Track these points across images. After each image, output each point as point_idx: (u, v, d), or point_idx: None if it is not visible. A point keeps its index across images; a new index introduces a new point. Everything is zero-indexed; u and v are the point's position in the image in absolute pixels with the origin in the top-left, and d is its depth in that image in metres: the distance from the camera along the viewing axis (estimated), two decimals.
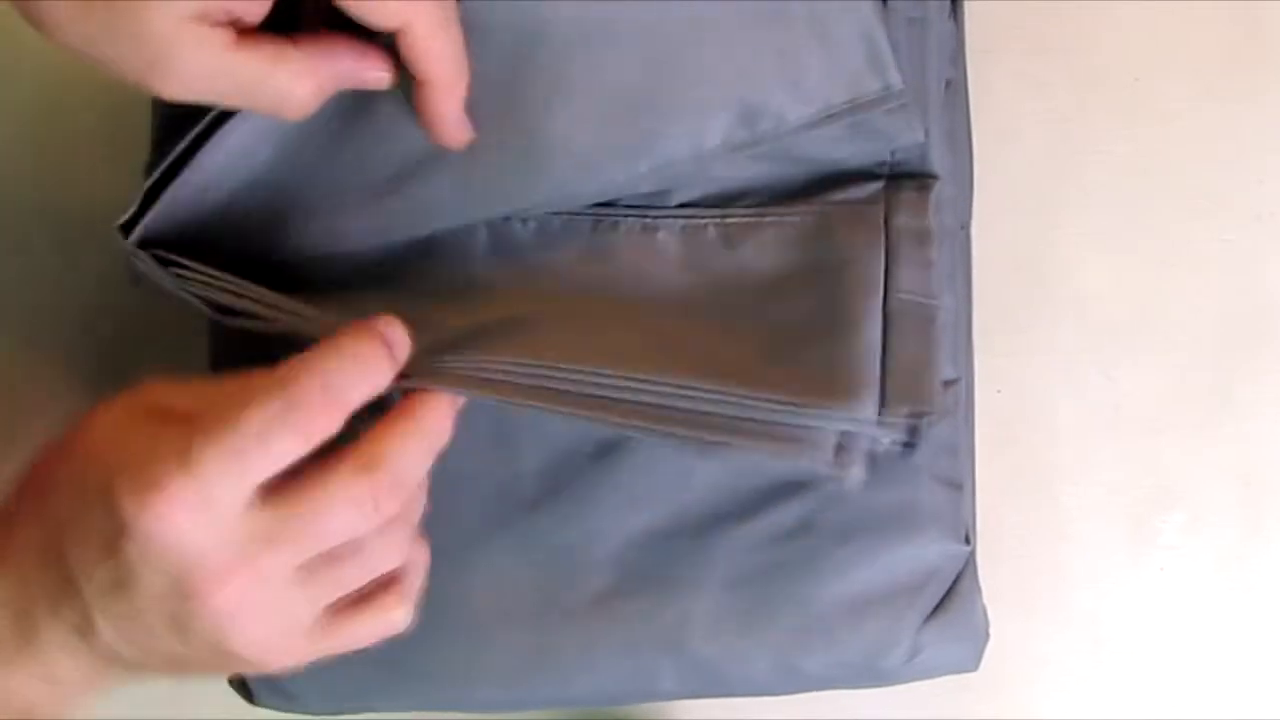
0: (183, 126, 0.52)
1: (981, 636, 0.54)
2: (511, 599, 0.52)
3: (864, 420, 0.47)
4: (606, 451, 0.52)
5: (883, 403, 0.48)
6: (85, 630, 0.43)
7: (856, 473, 0.48)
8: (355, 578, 0.44)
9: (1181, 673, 0.58)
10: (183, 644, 0.43)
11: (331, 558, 0.43)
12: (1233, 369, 0.58)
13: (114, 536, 0.41)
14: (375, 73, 0.47)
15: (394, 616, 0.45)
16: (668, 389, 0.46)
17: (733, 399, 0.46)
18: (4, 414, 0.60)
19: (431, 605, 0.52)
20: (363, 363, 0.43)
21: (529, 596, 0.52)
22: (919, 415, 0.48)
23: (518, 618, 0.52)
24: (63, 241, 0.60)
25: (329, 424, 0.42)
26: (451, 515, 0.52)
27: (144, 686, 0.60)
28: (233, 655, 0.43)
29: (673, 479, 0.52)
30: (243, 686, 0.55)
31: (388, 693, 0.53)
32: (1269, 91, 0.58)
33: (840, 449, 0.48)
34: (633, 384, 0.46)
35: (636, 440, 0.52)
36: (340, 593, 0.44)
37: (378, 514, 0.43)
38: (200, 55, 0.43)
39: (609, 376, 0.46)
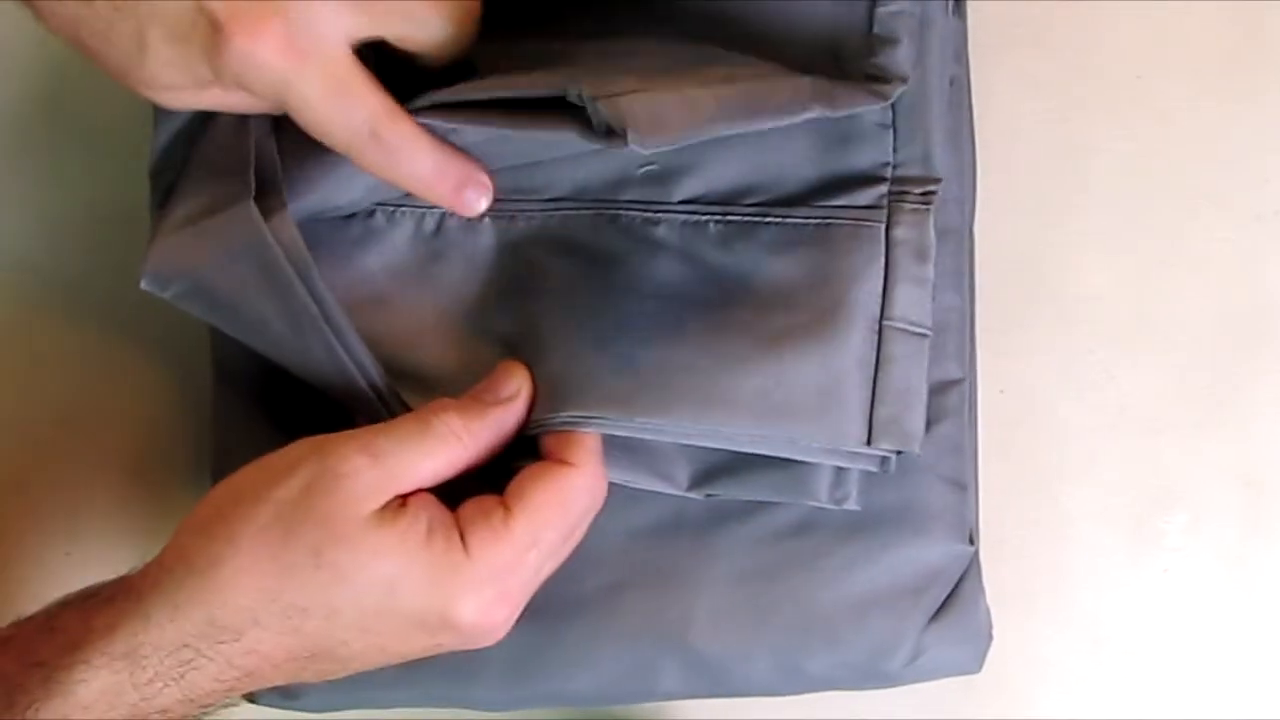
0: (186, 126, 0.52)
1: (985, 638, 0.53)
2: None
3: (849, 448, 0.49)
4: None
5: (869, 432, 0.48)
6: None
7: (852, 504, 0.50)
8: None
9: (1184, 673, 0.58)
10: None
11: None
12: (1234, 369, 0.58)
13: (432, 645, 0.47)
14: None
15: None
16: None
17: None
18: (3, 412, 0.60)
19: None
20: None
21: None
22: (902, 449, 0.49)
23: (519, 615, 0.52)
24: (61, 238, 0.60)
25: None
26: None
27: None
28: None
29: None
30: None
31: (387, 689, 0.53)
32: (1270, 91, 0.58)
33: (834, 483, 0.50)
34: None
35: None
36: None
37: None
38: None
39: None
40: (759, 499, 0.51)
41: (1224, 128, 0.58)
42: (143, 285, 0.49)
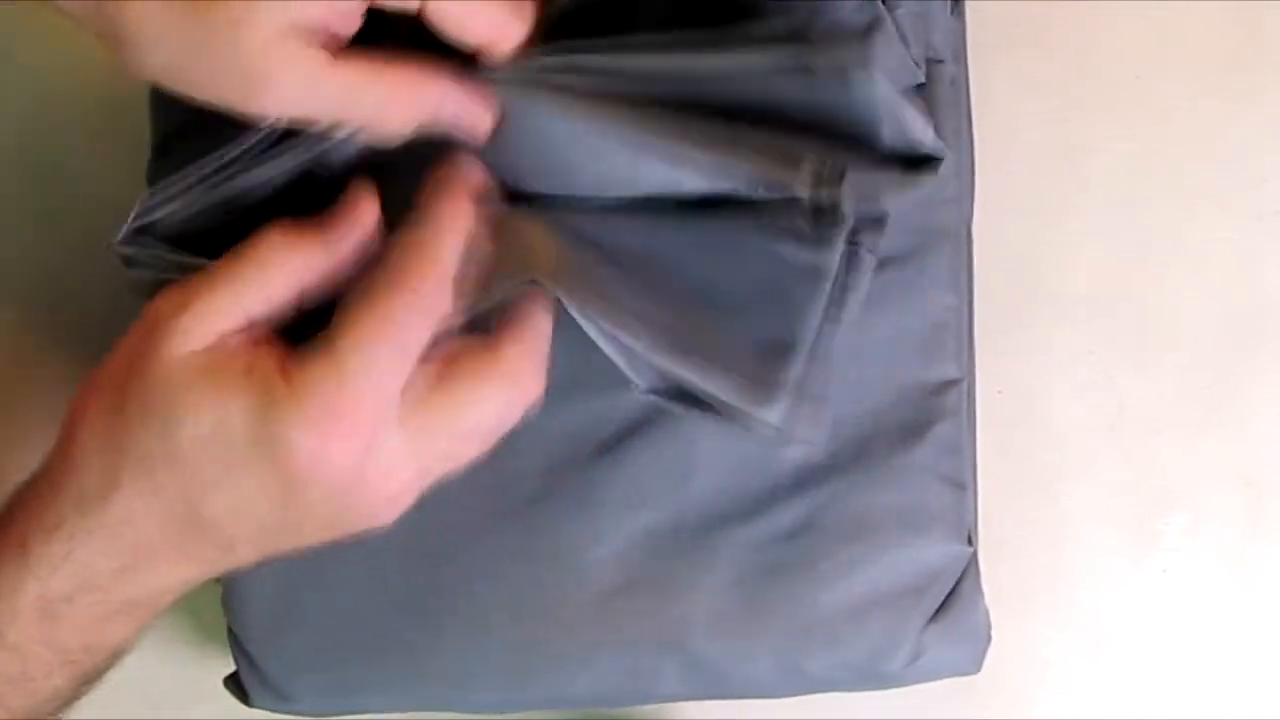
0: (184, 128, 0.52)
1: (984, 638, 0.53)
2: (511, 599, 0.52)
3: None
4: (607, 450, 0.52)
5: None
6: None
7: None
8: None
9: (1184, 674, 0.58)
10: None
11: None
12: (1234, 369, 0.58)
13: (284, 488, 0.43)
14: (473, 110, 0.46)
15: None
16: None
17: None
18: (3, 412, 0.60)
19: (430, 605, 0.52)
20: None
21: (529, 596, 0.52)
22: None
23: (517, 618, 0.52)
24: (59, 237, 0.60)
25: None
26: (450, 514, 0.52)
27: (144, 689, 0.60)
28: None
29: (674, 478, 0.52)
30: (238, 688, 0.55)
31: (385, 693, 0.53)
32: (1269, 91, 0.58)
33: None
34: None
35: (638, 438, 0.52)
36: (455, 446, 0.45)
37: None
38: (297, 72, 0.43)
39: None
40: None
41: (1223, 127, 0.58)
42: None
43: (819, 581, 0.51)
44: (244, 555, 0.46)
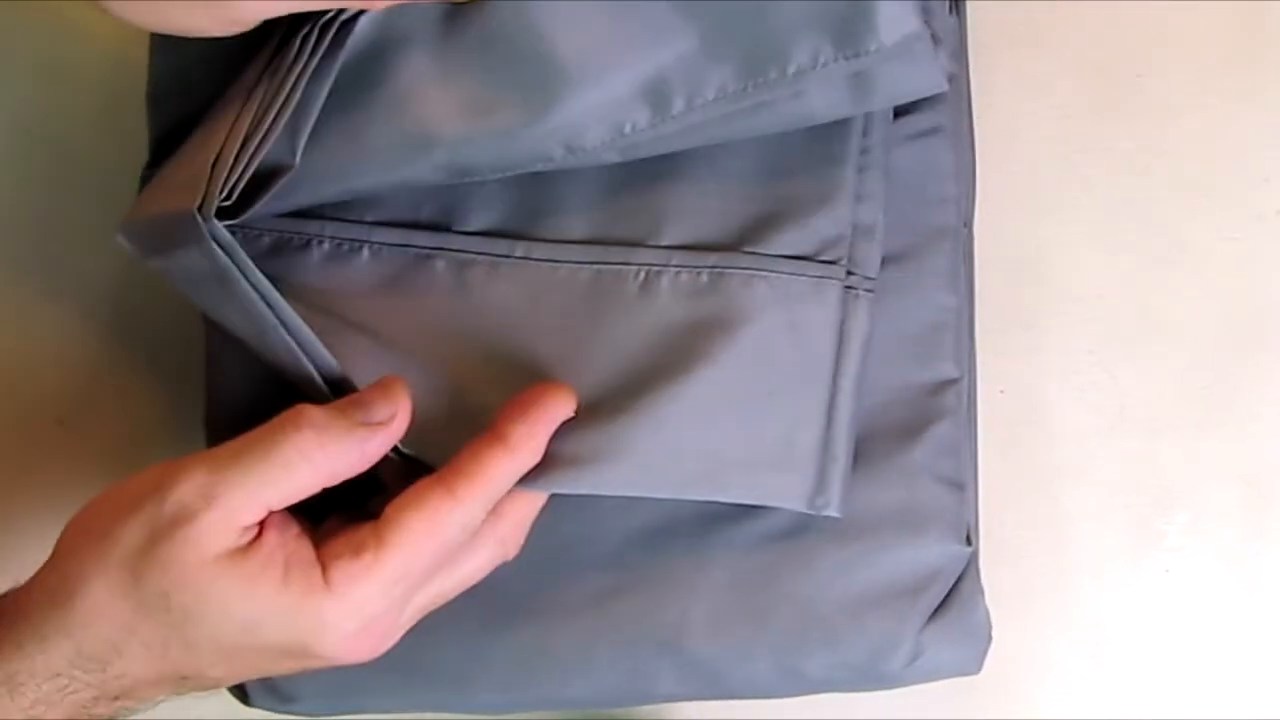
0: (181, 127, 0.52)
1: (984, 638, 0.53)
2: (508, 599, 0.52)
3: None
4: None
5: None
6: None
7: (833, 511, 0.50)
8: (451, 586, 0.48)
9: (1185, 674, 0.58)
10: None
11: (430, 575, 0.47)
12: (1236, 369, 0.58)
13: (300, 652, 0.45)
14: None
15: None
16: None
17: None
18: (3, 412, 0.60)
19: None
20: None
21: (526, 597, 0.52)
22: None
23: (515, 618, 0.52)
24: (61, 238, 0.60)
25: None
26: None
27: None
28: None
29: None
30: (238, 689, 0.55)
31: (383, 694, 0.53)
32: (1271, 89, 0.58)
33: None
34: None
35: None
36: (439, 600, 0.48)
37: (465, 532, 0.46)
38: None
39: None
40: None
41: (1225, 126, 0.58)
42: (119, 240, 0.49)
43: (817, 581, 0.51)
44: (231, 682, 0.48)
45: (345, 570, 0.44)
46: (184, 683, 0.46)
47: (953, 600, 0.52)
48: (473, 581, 0.48)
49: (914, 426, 0.52)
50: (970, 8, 0.55)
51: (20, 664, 0.44)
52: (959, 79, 0.54)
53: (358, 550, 0.45)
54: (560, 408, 0.48)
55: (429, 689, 0.53)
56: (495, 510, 0.47)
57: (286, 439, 0.44)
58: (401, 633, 0.47)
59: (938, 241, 0.52)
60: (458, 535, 0.46)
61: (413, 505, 0.45)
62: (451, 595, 0.48)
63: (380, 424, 0.46)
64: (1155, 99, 0.58)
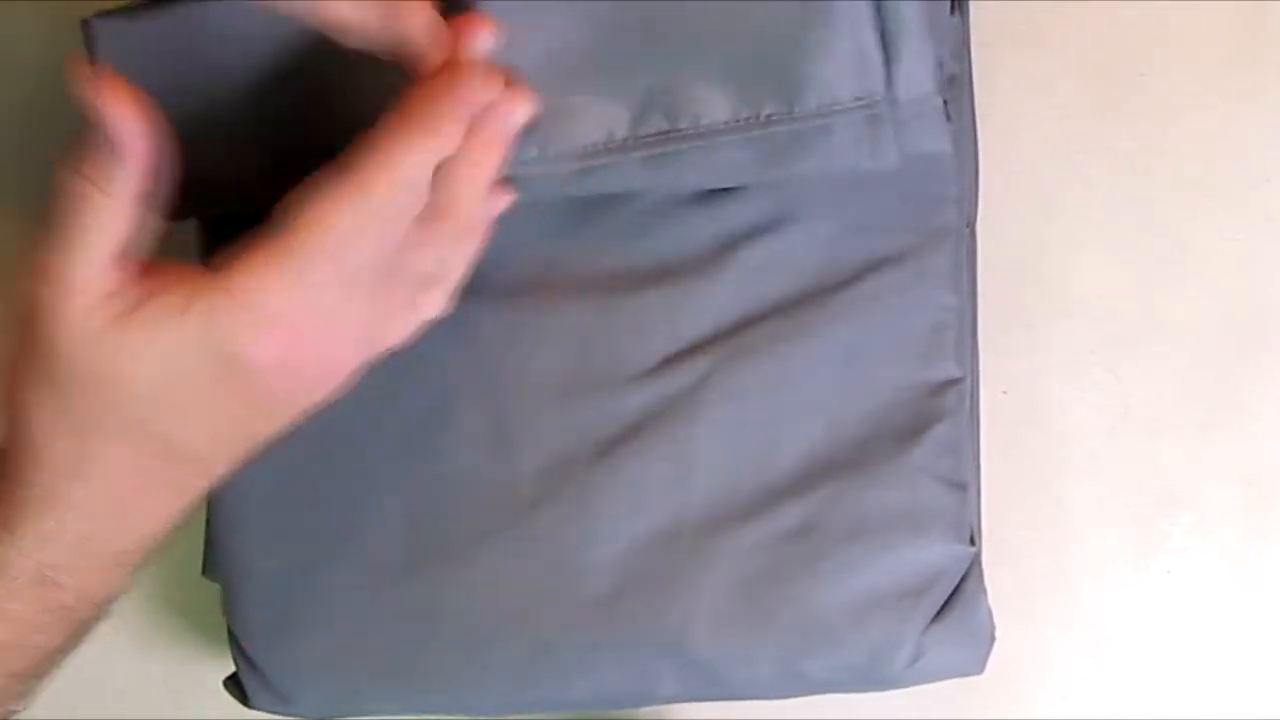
0: None
1: (987, 639, 0.53)
2: (510, 601, 0.52)
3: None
4: (605, 452, 0.52)
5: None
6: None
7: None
8: (395, 284, 0.46)
9: (1187, 675, 0.58)
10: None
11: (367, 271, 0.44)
12: (1239, 369, 0.58)
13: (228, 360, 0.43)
14: None
15: (427, 313, 0.48)
16: None
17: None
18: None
19: (430, 608, 0.52)
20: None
21: (528, 599, 0.52)
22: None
23: (517, 620, 0.52)
24: None
25: None
26: (449, 517, 0.52)
27: (144, 690, 0.60)
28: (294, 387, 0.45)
29: (672, 480, 0.52)
30: (238, 689, 0.55)
31: (385, 696, 0.53)
32: (1274, 89, 0.58)
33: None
34: None
35: (636, 441, 0.52)
36: (383, 302, 0.46)
37: (399, 220, 0.44)
38: None
39: None
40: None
41: (1228, 126, 0.58)
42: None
43: (819, 582, 0.51)
44: (222, 468, 0.47)
45: (235, 264, 0.43)
46: (170, 465, 0.45)
47: (955, 601, 0.52)
48: (439, 285, 0.47)
49: (916, 427, 0.52)
50: (972, 7, 0.55)
51: (23, 518, 0.44)
52: (961, 79, 0.54)
53: (247, 247, 0.43)
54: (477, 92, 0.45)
55: (430, 690, 0.53)
56: (435, 196, 0.45)
57: (70, 198, 0.43)
58: (355, 347, 0.46)
59: (939, 241, 0.52)
60: (369, 220, 0.43)
61: (307, 194, 0.43)
62: (410, 308, 0.47)
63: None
64: (1157, 99, 0.58)
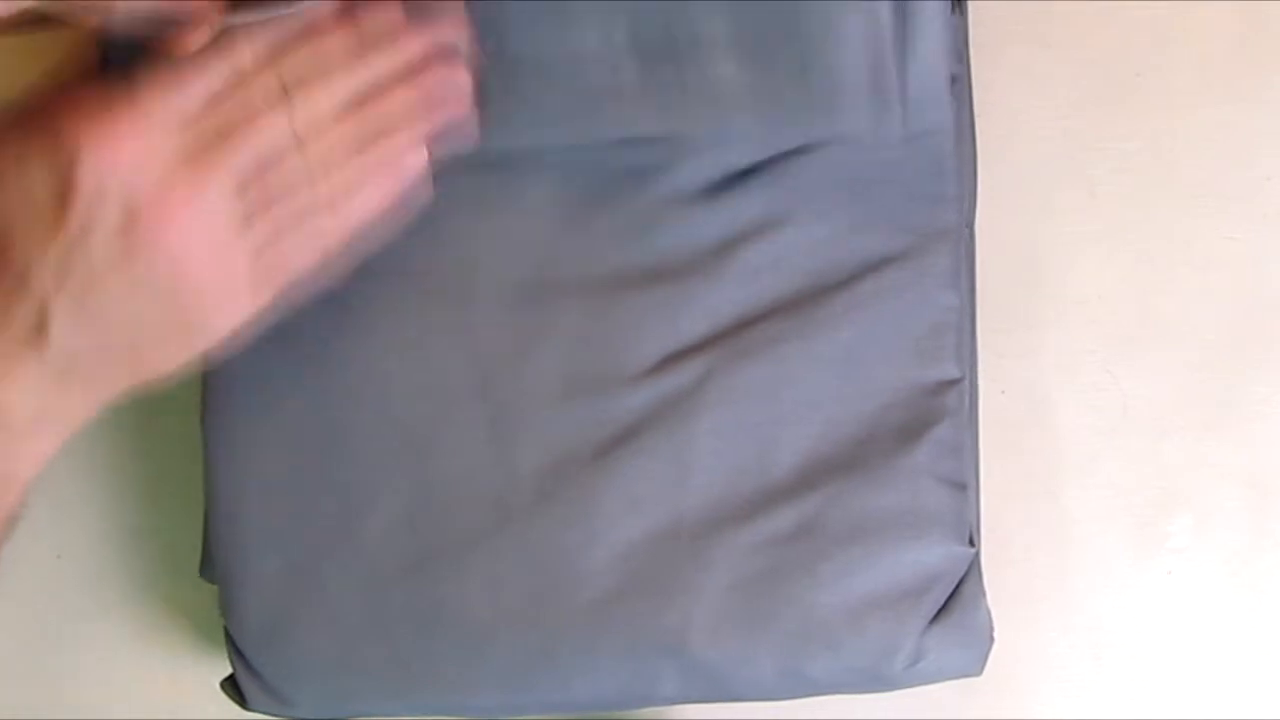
0: None
1: (986, 640, 0.53)
2: (510, 602, 0.52)
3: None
4: (604, 454, 0.52)
5: None
6: (39, 329, 0.42)
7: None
8: (293, 187, 0.44)
9: (1187, 676, 0.58)
10: (136, 297, 0.43)
11: (264, 170, 0.43)
12: (1239, 370, 0.58)
13: (64, 185, 0.41)
14: None
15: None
16: None
17: None
18: None
19: (428, 609, 0.52)
20: None
21: (527, 600, 0.52)
22: None
23: (516, 621, 0.52)
24: None
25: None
26: (448, 517, 0.52)
27: (141, 691, 0.60)
28: (185, 301, 0.43)
29: (671, 481, 0.52)
30: (236, 691, 0.54)
31: (383, 697, 0.53)
32: (1275, 89, 0.58)
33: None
34: None
35: (635, 442, 0.52)
36: (281, 206, 0.44)
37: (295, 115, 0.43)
38: None
39: None
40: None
41: (1228, 125, 0.58)
42: None
43: (818, 584, 0.51)
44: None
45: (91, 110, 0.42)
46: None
47: (954, 602, 0.52)
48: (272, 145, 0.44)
49: (915, 427, 0.52)
50: (972, 6, 0.55)
51: None
52: (961, 78, 0.54)
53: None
54: None
55: (429, 692, 0.53)
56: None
57: None
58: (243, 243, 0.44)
59: (939, 241, 0.52)
60: (208, 73, 0.43)
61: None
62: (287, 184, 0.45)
63: None
64: (1157, 98, 0.58)
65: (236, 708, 0.55)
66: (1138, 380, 0.58)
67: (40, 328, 0.42)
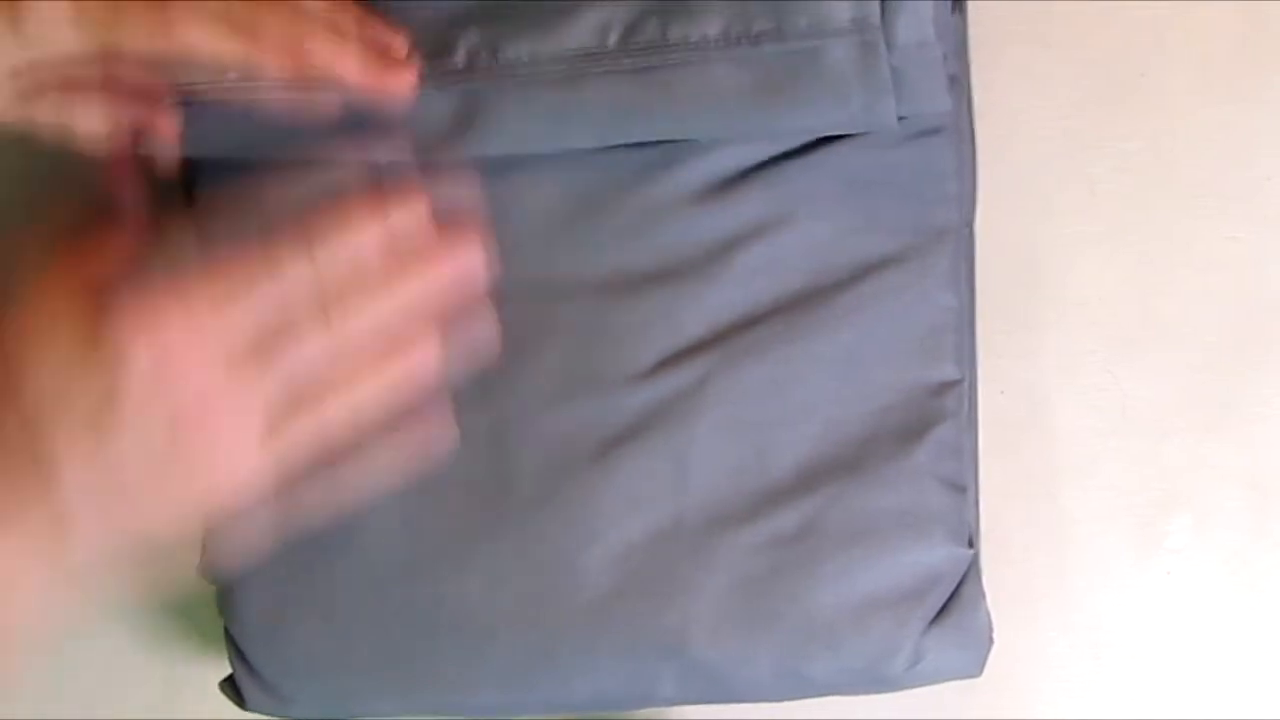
0: None
1: (985, 642, 0.53)
2: (509, 602, 0.52)
3: None
4: (604, 453, 0.52)
5: None
6: (58, 522, 0.42)
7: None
8: (317, 385, 0.45)
9: (1187, 676, 0.58)
10: (153, 480, 0.43)
11: (279, 334, 0.44)
12: (1239, 370, 0.58)
13: (112, 388, 0.42)
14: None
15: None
16: None
17: None
18: None
19: (428, 609, 0.52)
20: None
21: (527, 599, 0.52)
22: None
23: (516, 621, 0.52)
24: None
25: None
26: (448, 517, 0.52)
27: (140, 691, 0.60)
28: (199, 483, 0.44)
29: (672, 481, 0.52)
30: (235, 691, 0.54)
31: (383, 697, 0.53)
32: (1276, 89, 0.57)
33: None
34: None
35: (635, 442, 0.51)
36: (293, 373, 0.45)
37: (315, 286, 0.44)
38: None
39: None
40: None
41: (1229, 125, 0.58)
42: None
43: (819, 584, 0.51)
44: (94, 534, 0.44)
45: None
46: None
47: (954, 604, 0.52)
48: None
49: (915, 429, 0.52)
50: (971, 6, 0.55)
51: None
52: (960, 77, 0.54)
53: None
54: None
55: (429, 693, 0.53)
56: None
57: None
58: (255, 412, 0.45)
59: (939, 242, 0.52)
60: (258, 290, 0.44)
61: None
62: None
63: None
64: (1158, 98, 0.58)
65: (235, 708, 0.55)
66: (1138, 381, 0.58)
67: (60, 522, 0.43)
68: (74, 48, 0.47)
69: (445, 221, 0.46)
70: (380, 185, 0.46)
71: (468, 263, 0.46)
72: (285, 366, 0.44)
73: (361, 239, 0.45)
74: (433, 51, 0.50)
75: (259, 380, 0.44)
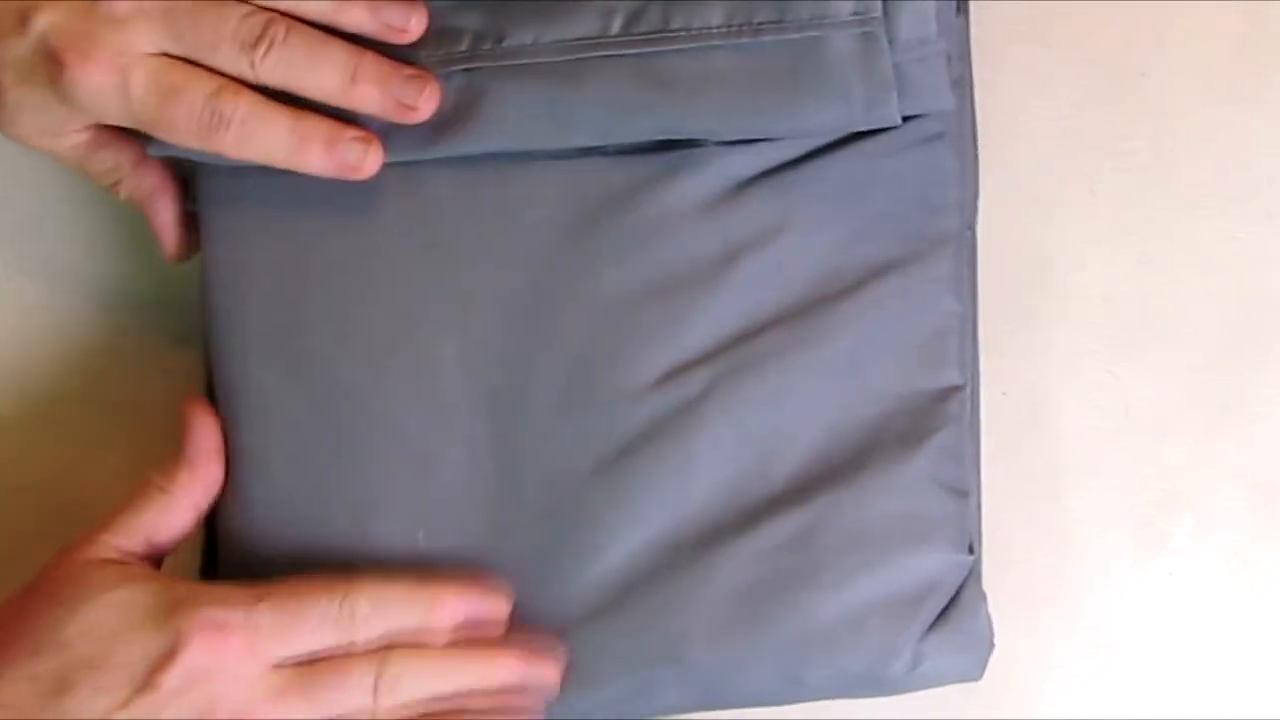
0: None
1: (986, 646, 0.53)
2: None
3: None
4: (605, 465, 0.52)
5: None
6: None
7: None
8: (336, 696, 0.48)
9: (1190, 678, 0.57)
10: None
11: (313, 665, 0.48)
12: (1242, 371, 0.58)
13: (161, 659, 0.46)
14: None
15: None
16: None
17: None
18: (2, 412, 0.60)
19: None
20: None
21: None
22: None
23: (514, 630, 0.52)
24: (59, 238, 0.60)
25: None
26: (449, 531, 0.52)
27: None
28: None
29: (672, 492, 0.51)
30: None
31: None
32: (1277, 87, 0.57)
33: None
34: None
35: (638, 455, 0.51)
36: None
37: (353, 628, 0.48)
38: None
39: None
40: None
41: (1231, 124, 0.58)
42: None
43: (818, 591, 0.51)
44: None
45: (213, 595, 0.48)
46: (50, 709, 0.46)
47: (954, 609, 0.52)
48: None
49: (917, 434, 0.52)
50: (973, 7, 0.55)
51: None
52: (963, 79, 0.54)
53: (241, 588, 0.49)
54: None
55: None
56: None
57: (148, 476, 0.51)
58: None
59: (940, 247, 0.52)
60: (324, 625, 0.48)
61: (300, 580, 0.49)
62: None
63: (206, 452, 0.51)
64: (1160, 98, 0.58)
65: None
66: (1140, 381, 0.58)
67: None
68: (125, 121, 0.50)
69: None
70: None
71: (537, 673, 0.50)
72: (326, 702, 0.47)
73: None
74: (437, 36, 0.50)
75: (297, 709, 0.47)
